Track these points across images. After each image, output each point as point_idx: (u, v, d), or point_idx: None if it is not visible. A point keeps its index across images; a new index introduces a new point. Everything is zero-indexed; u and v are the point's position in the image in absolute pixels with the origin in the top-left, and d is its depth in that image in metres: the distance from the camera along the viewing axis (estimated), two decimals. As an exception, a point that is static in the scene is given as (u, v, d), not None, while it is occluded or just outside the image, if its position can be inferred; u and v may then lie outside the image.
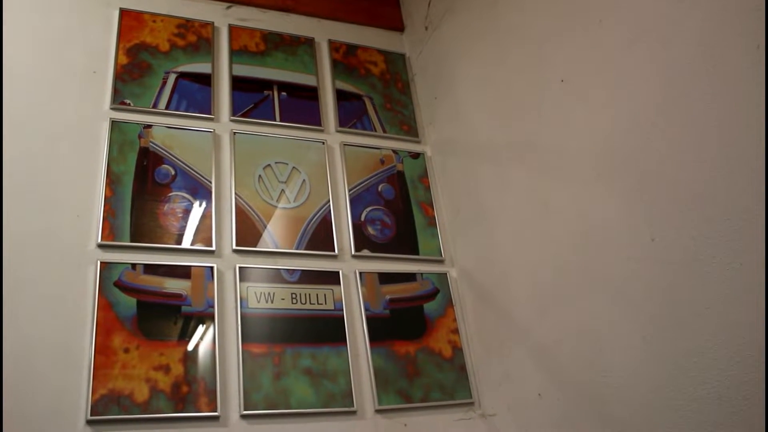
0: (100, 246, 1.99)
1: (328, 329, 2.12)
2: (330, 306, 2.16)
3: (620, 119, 1.69)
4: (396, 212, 2.47)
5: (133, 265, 2.00)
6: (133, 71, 2.32)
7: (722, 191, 1.38)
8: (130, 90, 2.28)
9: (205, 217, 2.15)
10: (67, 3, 2.36)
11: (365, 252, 2.33)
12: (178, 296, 2.00)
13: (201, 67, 2.45)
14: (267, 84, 2.55)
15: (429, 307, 2.31)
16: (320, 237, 2.29)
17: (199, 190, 2.20)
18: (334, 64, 2.73)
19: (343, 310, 2.17)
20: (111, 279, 1.95)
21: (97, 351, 1.83)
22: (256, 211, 2.24)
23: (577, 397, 1.79)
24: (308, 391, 1.99)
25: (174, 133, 2.27)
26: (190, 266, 2.05)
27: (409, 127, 2.71)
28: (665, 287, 1.52)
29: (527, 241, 2.05)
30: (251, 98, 2.49)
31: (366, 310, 2.20)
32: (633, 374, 1.61)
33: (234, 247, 2.14)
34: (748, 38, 1.34)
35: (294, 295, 2.14)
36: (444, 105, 2.62)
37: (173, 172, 2.20)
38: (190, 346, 1.93)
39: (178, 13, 2.54)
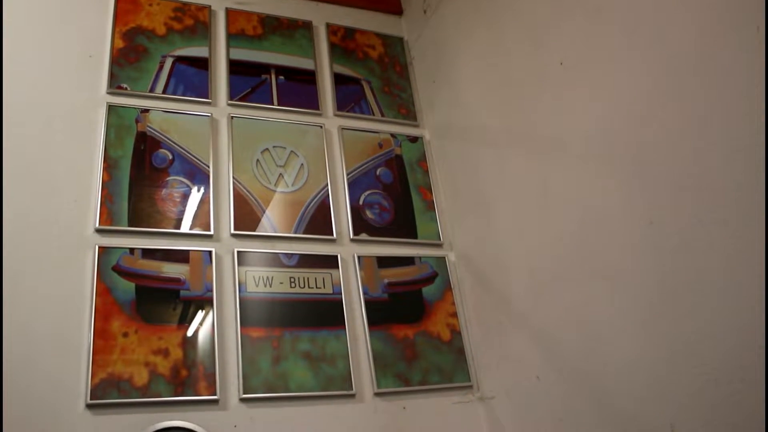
0: (98, 231, 1.98)
1: (326, 313, 2.12)
2: (328, 290, 2.16)
3: (619, 103, 1.68)
4: (394, 196, 2.46)
5: (132, 250, 1.99)
6: (130, 55, 2.31)
7: (721, 175, 1.38)
8: (127, 74, 2.27)
9: (203, 201, 2.15)
10: (63, -14, 2.35)
11: (363, 236, 2.33)
12: (177, 280, 2.00)
13: (198, 51, 2.44)
14: (264, 68, 2.54)
15: (427, 290, 2.31)
16: (318, 221, 2.29)
17: (197, 174, 2.19)
18: (332, 47, 2.71)
19: (341, 293, 2.17)
20: (109, 264, 1.95)
21: (96, 335, 1.83)
22: (254, 195, 2.24)
23: (575, 380, 1.80)
24: (307, 374, 2.00)
25: (171, 117, 2.27)
26: (189, 250, 2.05)
27: (407, 111, 2.70)
28: (663, 270, 1.52)
29: (526, 224, 2.05)
30: (249, 82, 2.48)
31: (364, 293, 2.21)
32: (630, 357, 1.61)
33: (232, 231, 2.14)
34: (748, 22, 1.33)
35: (292, 279, 2.14)
36: (442, 89, 2.61)
37: (171, 157, 2.19)
38: (189, 330, 1.93)
39: (174, -4, 2.53)
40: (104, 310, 1.88)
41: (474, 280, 2.30)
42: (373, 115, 2.63)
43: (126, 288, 1.93)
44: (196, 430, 1.78)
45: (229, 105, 2.40)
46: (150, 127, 2.21)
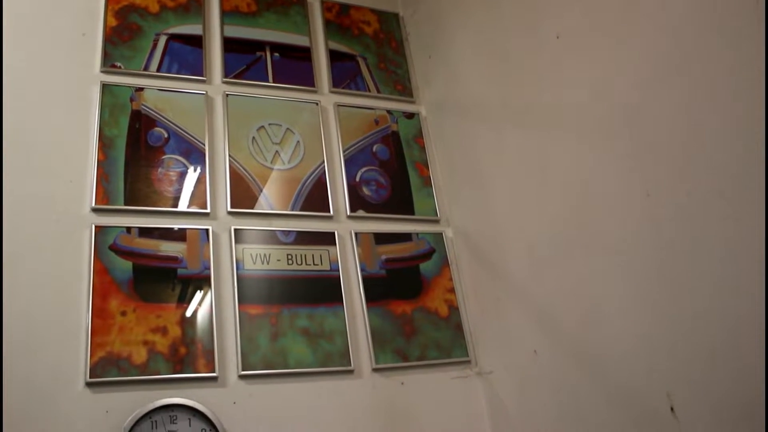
0: (94, 210, 1.98)
1: (324, 290, 2.12)
2: (326, 267, 2.17)
3: (616, 76, 1.67)
4: (391, 172, 2.46)
5: (128, 229, 1.99)
6: (123, 33, 2.29)
7: (719, 147, 1.38)
8: (121, 53, 2.25)
9: (200, 179, 2.15)
10: (54, -36, 2.32)
11: (360, 212, 2.32)
12: (174, 259, 2.00)
13: (192, 29, 2.42)
14: (259, 45, 2.52)
15: (425, 266, 2.31)
16: (315, 198, 2.28)
17: (193, 152, 2.18)
18: (327, 24, 2.69)
19: (339, 270, 2.17)
20: (106, 243, 1.94)
21: (94, 314, 1.84)
22: (250, 172, 2.23)
23: (573, 354, 1.81)
24: (305, 351, 2.01)
25: (166, 95, 2.25)
26: (185, 229, 2.05)
27: (403, 87, 2.69)
28: (660, 243, 1.52)
29: (523, 199, 2.04)
30: (243, 60, 2.46)
31: (362, 270, 2.21)
32: (627, 330, 1.61)
33: (229, 209, 2.14)
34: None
35: (290, 256, 2.14)
36: (439, 64, 2.59)
37: (166, 135, 2.18)
38: (187, 308, 1.94)
39: (167, -27, 2.50)
40: (102, 289, 1.88)
41: (471, 256, 2.30)
42: (369, 91, 2.62)
43: (123, 267, 1.93)
44: (195, 407, 1.79)
45: (224, 83, 2.38)
46: (145, 106, 2.20)
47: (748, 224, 1.30)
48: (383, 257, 2.27)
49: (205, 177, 2.16)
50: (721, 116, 1.38)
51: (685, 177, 1.45)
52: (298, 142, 2.37)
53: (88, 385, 1.76)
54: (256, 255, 2.10)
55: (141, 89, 2.22)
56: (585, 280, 1.76)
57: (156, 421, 1.76)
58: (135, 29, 2.32)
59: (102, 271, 1.90)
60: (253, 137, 2.31)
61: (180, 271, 1.99)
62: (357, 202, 2.34)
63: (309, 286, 2.11)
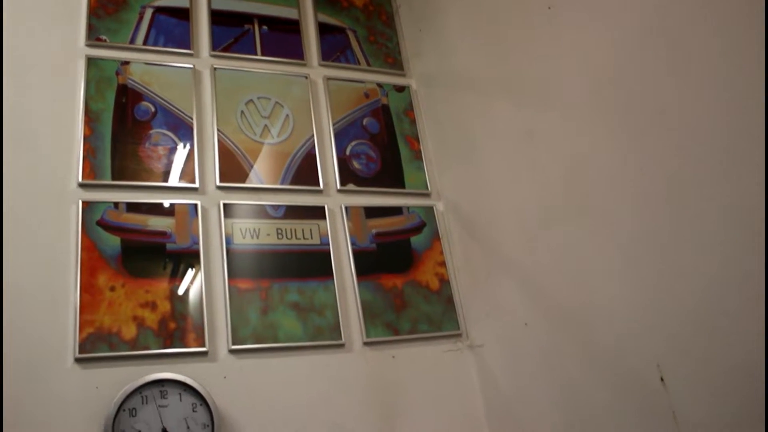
0: (81, 185, 1.96)
1: (314, 264, 2.12)
2: (316, 241, 2.15)
3: (607, 47, 1.66)
4: (381, 146, 2.44)
5: (116, 204, 1.98)
6: (108, 6, 2.26)
7: (710, 117, 1.37)
8: (106, 26, 2.22)
9: (188, 154, 2.13)
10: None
11: (351, 186, 2.31)
12: (163, 234, 1.98)
13: (178, 1, 2.39)
14: (247, 18, 2.49)
15: (416, 240, 2.30)
16: (305, 172, 2.27)
17: (181, 126, 2.16)
18: (316, -4, 2.66)
19: (329, 244, 2.16)
20: (93, 218, 1.93)
21: (83, 290, 1.82)
22: (239, 147, 2.22)
23: (563, 325, 1.81)
24: (296, 325, 2.00)
25: (152, 69, 2.23)
26: (174, 204, 2.03)
27: (393, 60, 2.67)
28: (649, 213, 1.52)
29: (514, 172, 2.03)
30: (231, 32, 2.43)
31: (352, 244, 2.20)
32: (617, 300, 1.61)
33: (218, 183, 2.12)
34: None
35: (279, 231, 2.13)
36: (429, 37, 2.57)
37: (153, 109, 2.16)
38: (176, 283, 1.93)
39: (152, -55, 2.46)
40: (90, 264, 1.87)
41: (462, 229, 2.29)
42: (359, 64, 2.59)
43: (111, 242, 1.92)
44: (185, 381, 1.78)
45: (212, 56, 2.35)
46: (131, 80, 2.18)
47: (737, 193, 1.30)
48: (374, 231, 2.26)
49: (193, 151, 2.14)
50: (712, 86, 1.36)
51: (676, 147, 1.44)
52: (288, 115, 2.35)
53: (78, 361, 1.75)
54: (246, 229, 2.08)
55: (127, 63, 2.20)
56: (575, 252, 1.76)
57: (146, 396, 1.75)
58: (120, 2, 2.28)
59: (90, 246, 1.89)
60: (242, 111, 2.29)
61: (169, 246, 1.97)
62: (347, 175, 2.32)
63: (299, 261, 2.10)
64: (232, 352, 1.91)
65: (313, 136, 2.34)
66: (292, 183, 2.23)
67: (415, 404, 2.05)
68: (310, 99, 2.41)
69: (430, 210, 2.38)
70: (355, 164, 2.36)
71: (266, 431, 1.86)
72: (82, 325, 1.78)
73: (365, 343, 2.07)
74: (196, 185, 2.09)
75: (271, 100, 2.36)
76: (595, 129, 1.70)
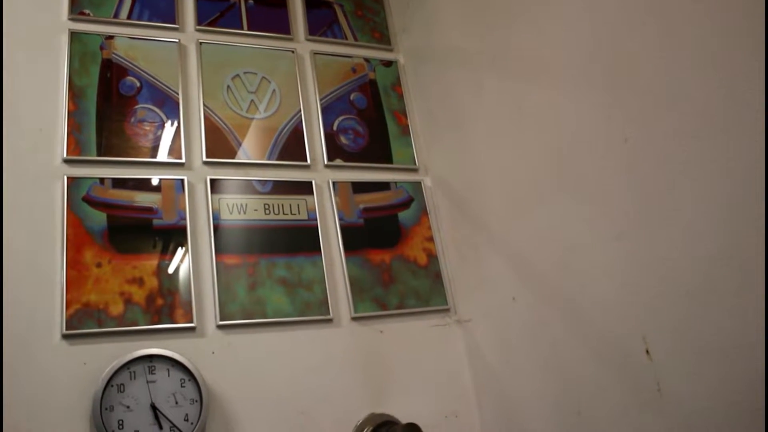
0: (66, 161, 1.95)
1: (302, 239, 2.11)
2: (303, 216, 2.15)
3: (598, 20, 1.65)
4: (369, 121, 2.43)
5: (102, 180, 1.96)
6: (91, -21, 2.23)
7: (703, 92, 1.36)
8: (89, -1, 2.20)
9: (174, 129, 2.11)
10: None
11: (338, 161, 2.30)
12: (149, 210, 1.97)
13: (163, -25, 2.36)
14: (233, -9, 2.47)
15: (403, 215, 2.30)
16: (292, 147, 2.26)
17: (166, 101, 2.14)
18: (302, -31, 2.64)
19: (317, 219, 2.16)
20: (79, 194, 1.91)
21: (69, 266, 1.82)
22: (225, 122, 2.20)
23: (551, 299, 1.81)
24: (284, 300, 2.00)
25: (137, 44, 2.20)
26: (160, 179, 2.02)
27: (381, 35, 2.65)
28: (637, 187, 1.52)
29: (501, 147, 2.03)
30: (217, 6, 2.41)
31: (340, 219, 2.19)
32: (604, 274, 1.62)
33: (204, 159, 2.11)
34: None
35: (267, 206, 2.12)
36: (416, 11, 2.55)
37: (138, 84, 2.14)
38: (164, 259, 1.92)
39: None
40: (76, 240, 1.86)
41: (450, 204, 2.29)
42: (346, 39, 2.57)
43: (98, 218, 1.91)
44: (174, 357, 1.79)
45: (197, 30, 2.33)
46: (116, 54, 2.15)
47: (723, 166, 1.30)
48: (361, 206, 2.25)
49: (179, 127, 2.12)
50: (697, 57, 1.36)
51: (662, 120, 1.44)
52: (274, 90, 2.34)
53: (65, 337, 1.75)
54: (233, 205, 2.08)
55: (111, 37, 2.17)
56: (562, 226, 1.76)
57: (134, 372, 1.75)
58: (104, -25, 2.25)
59: (76, 222, 1.88)
60: (228, 86, 2.27)
61: (155, 222, 1.97)
62: (334, 151, 2.31)
63: (286, 236, 2.10)
64: (220, 327, 1.91)
65: (300, 111, 2.33)
66: (279, 158, 2.22)
67: (403, 378, 2.06)
68: (297, 74, 2.40)
69: (417, 185, 2.38)
70: (343, 139, 2.35)
71: (255, 405, 1.87)
72: (69, 302, 1.78)
73: (353, 318, 2.07)
74: (183, 160, 2.07)
75: (257, 75, 2.34)
76: (581, 101, 1.69)
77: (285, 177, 2.19)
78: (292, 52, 2.43)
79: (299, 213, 2.14)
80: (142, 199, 1.98)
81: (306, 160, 2.25)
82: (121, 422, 1.69)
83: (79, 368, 1.74)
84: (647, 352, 1.49)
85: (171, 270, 1.91)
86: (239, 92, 2.28)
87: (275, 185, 2.16)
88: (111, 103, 2.07)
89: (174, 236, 1.96)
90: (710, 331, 1.33)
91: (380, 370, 2.05)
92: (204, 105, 2.19)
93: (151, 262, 1.91)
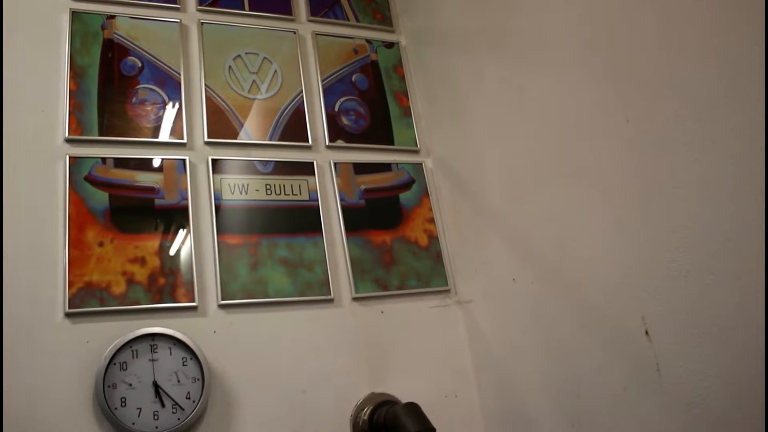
0: (67, 141, 1.95)
1: (303, 219, 2.12)
2: (305, 196, 2.15)
3: (600, 2, 1.64)
4: (370, 102, 2.43)
5: (104, 160, 1.97)
6: (92, -42, 2.22)
7: (702, 76, 1.36)
8: (90, -22, 2.19)
9: (176, 109, 2.11)
10: None
11: (340, 142, 2.30)
12: (151, 189, 1.98)
13: (164, -46, 2.35)
14: (234, -29, 2.46)
15: (405, 197, 2.31)
16: (294, 128, 2.26)
17: (168, 82, 2.14)
18: (304, -51, 2.62)
19: (318, 200, 2.16)
20: (81, 174, 1.92)
21: (72, 246, 1.82)
22: (227, 102, 2.20)
23: (551, 281, 1.82)
24: (285, 280, 2.01)
25: (139, 24, 2.20)
26: (162, 159, 2.03)
27: (382, 16, 2.64)
28: (638, 169, 1.52)
29: (502, 128, 2.03)
30: (218, -14, 2.40)
31: (341, 200, 2.20)
32: (605, 256, 1.62)
33: (206, 139, 2.11)
34: None
35: (268, 186, 2.12)
36: (418, -8, 2.54)
37: (140, 64, 2.14)
38: (165, 239, 1.93)
39: None
40: (78, 220, 1.86)
41: (451, 186, 2.30)
42: (348, 20, 2.57)
43: (100, 198, 1.91)
44: (176, 335, 1.80)
45: (199, 11, 2.32)
46: (117, 34, 2.15)
47: (725, 147, 1.30)
48: (362, 187, 2.25)
49: (181, 107, 2.12)
50: (699, 38, 1.36)
51: (664, 102, 1.44)
52: (276, 71, 2.33)
53: (68, 315, 1.76)
54: (234, 185, 2.08)
55: (113, 17, 2.17)
56: (563, 208, 1.76)
57: (137, 350, 1.77)
58: (105, -46, 2.24)
59: (78, 202, 1.88)
60: (230, 66, 2.27)
61: (157, 201, 1.97)
62: (336, 131, 2.32)
63: (288, 216, 2.10)
64: (221, 307, 1.92)
65: (301, 92, 2.33)
66: (280, 139, 2.22)
67: (404, 358, 2.07)
68: (298, 55, 2.39)
69: (419, 167, 2.38)
70: (344, 120, 2.35)
71: (256, 384, 1.88)
72: (72, 281, 1.79)
73: (354, 299, 2.08)
74: (184, 141, 2.08)
75: (259, 55, 2.34)
76: (583, 82, 1.69)
77: (286, 157, 2.20)
78: (294, 32, 2.43)
79: (301, 193, 2.15)
80: (144, 179, 1.98)
81: (308, 141, 2.25)
82: (123, 400, 1.70)
83: (81, 347, 1.75)
84: (647, 333, 1.49)
85: (173, 250, 1.92)
86: (241, 73, 2.27)
87: (277, 166, 2.17)
88: (112, 83, 2.07)
89: (176, 216, 1.97)
90: (710, 312, 1.34)
91: (381, 350, 2.06)
92: (206, 85, 2.19)
93: (153, 241, 1.91)
